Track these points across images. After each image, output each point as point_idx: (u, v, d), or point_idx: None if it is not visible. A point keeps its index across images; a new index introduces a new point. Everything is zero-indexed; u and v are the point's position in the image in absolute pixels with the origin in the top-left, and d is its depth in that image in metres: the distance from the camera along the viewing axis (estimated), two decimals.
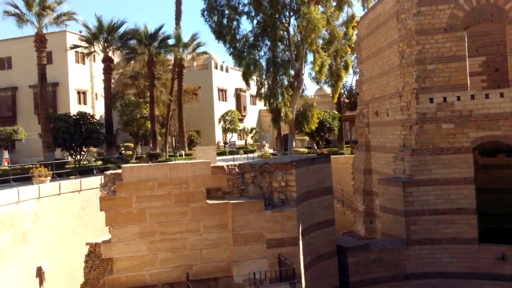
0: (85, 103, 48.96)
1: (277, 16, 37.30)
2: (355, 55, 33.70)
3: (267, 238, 14.22)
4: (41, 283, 19.77)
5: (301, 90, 40.15)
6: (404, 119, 20.13)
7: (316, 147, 45.71)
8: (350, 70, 44.90)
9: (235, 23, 38.98)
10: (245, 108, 65.84)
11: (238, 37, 39.03)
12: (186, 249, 13.92)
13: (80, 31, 44.04)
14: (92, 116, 35.84)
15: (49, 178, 24.21)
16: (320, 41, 39.52)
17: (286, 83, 39.21)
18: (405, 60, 19.99)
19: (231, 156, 39.98)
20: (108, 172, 14.43)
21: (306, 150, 44.72)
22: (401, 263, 18.45)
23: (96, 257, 17.44)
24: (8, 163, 36.08)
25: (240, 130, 58.14)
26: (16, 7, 31.66)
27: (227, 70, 63.23)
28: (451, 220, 18.42)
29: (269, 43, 38.80)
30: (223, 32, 38.60)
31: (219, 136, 58.88)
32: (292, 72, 38.84)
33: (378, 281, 18.20)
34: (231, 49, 39.04)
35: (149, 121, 41.86)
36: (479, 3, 18.80)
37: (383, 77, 23.09)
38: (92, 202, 23.62)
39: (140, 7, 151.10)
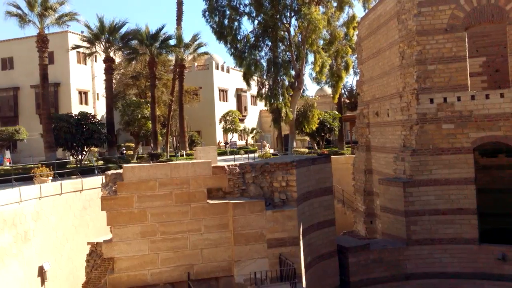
0: (86, 103, 49.05)
1: (278, 16, 37.32)
2: (356, 56, 33.77)
3: (267, 238, 14.27)
4: (42, 282, 19.85)
5: (301, 91, 40.18)
6: (405, 120, 20.17)
7: (316, 147, 45.76)
8: (351, 71, 44.96)
9: (236, 23, 39.02)
10: (245, 109, 65.91)
11: (239, 38, 39.06)
12: (187, 248, 13.98)
13: (82, 32, 44.13)
14: (94, 116, 35.92)
15: (50, 178, 24.29)
16: (321, 42, 39.55)
17: (287, 83, 39.23)
18: (406, 60, 20.04)
19: (232, 156, 40.05)
20: (110, 172, 14.49)
21: (306, 150, 44.75)
22: (401, 263, 18.50)
23: (97, 257, 17.51)
24: (10, 163, 36.18)
25: (240, 130, 58.20)
26: (18, 7, 31.76)
27: (228, 71, 63.30)
28: (451, 220, 18.46)
29: (270, 43, 38.84)
30: (224, 32, 38.64)
31: (220, 136, 58.95)
32: (292, 73, 38.88)
33: (378, 281, 18.24)
34: (232, 50, 39.07)
35: (150, 121, 41.93)
36: (480, 4, 18.84)
37: (384, 78, 23.14)
38: (93, 202, 23.69)
39: (142, 7, 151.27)
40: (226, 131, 55.73)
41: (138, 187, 13.81)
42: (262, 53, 39.38)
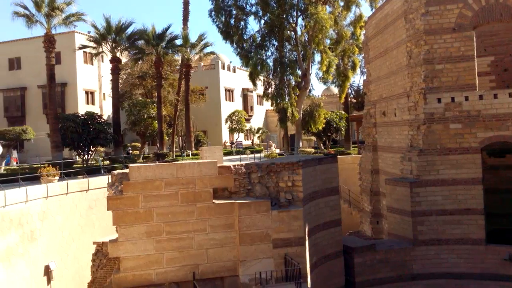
0: (93, 103, 49.21)
1: (284, 16, 37.23)
2: (363, 55, 33.63)
3: (273, 238, 14.24)
4: (48, 281, 19.91)
5: (308, 90, 40.06)
6: (412, 119, 20.05)
7: (323, 147, 45.62)
8: (358, 70, 44.80)
9: (242, 23, 38.99)
10: (252, 108, 65.87)
11: (245, 37, 39.02)
12: (192, 248, 13.97)
13: (89, 32, 44.28)
14: (100, 116, 36.01)
15: (57, 177, 24.36)
16: (328, 41, 39.42)
17: (293, 83, 39.14)
18: (413, 60, 19.92)
19: (237, 156, 40.02)
20: (116, 172, 14.51)
21: (313, 150, 44.63)
22: (407, 264, 18.40)
23: (103, 256, 17.52)
24: (16, 163, 36.39)
25: (247, 130, 58.17)
26: (26, 8, 31.90)
27: (234, 70, 63.30)
28: (458, 221, 18.34)
29: (276, 43, 38.76)
30: (231, 32, 38.63)
31: (226, 136, 58.95)
32: (299, 72, 38.77)
33: (384, 281, 18.17)
34: (238, 49, 39.05)
35: (156, 121, 41.99)
36: (488, 3, 18.70)
37: (391, 77, 23.01)
38: (99, 202, 23.75)
39: (148, 7, 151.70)
40: (232, 131, 55.72)
41: (144, 187, 13.82)
42: (269, 53, 39.33)
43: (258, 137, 61.35)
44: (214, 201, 14.24)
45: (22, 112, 48.96)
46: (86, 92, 48.60)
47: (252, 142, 60.99)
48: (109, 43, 37.99)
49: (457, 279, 18.01)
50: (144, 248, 13.72)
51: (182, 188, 14.03)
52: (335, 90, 54.40)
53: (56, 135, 31.77)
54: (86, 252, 21.39)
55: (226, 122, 55.58)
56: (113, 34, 37.57)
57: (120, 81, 44.57)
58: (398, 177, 20.40)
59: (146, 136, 45.91)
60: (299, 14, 37.98)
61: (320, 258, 16.62)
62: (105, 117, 42.83)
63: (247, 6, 39.11)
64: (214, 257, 14.06)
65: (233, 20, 38.92)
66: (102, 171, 29.33)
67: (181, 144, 52.18)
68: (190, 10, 48.00)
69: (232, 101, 61.82)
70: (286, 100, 37.78)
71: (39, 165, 28.64)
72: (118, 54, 38.78)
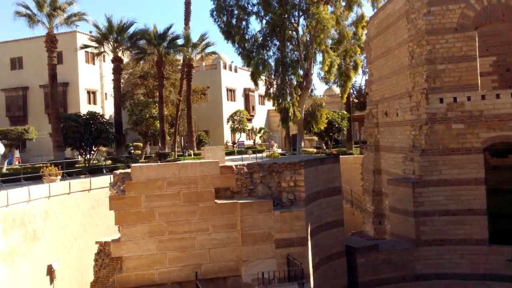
0: (95, 103, 49.26)
1: (286, 16, 37.22)
2: (365, 55, 33.58)
3: (275, 238, 14.23)
4: (51, 281, 19.93)
5: (310, 90, 40.07)
6: (414, 119, 20.02)
7: (325, 147, 45.59)
8: (360, 70, 44.73)
9: (244, 23, 38.99)
10: (253, 108, 65.85)
11: (247, 37, 39.02)
12: (195, 248, 13.97)
13: (90, 31, 44.33)
14: (102, 116, 36.02)
15: (59, 177, 24.37)
16: (329, 41, 39.42)
17: (295, 83, 39.11)
18: (415, 60, 19.88)
19: (239, 156, 39.96)
20: (118, 172, 14.52)
21: (315, 150, 44.54)
22: (410, 264, 18.38)
23: (105, 256, 17.55)
24: (19, 162, 36.39)
25: (248, 130, 58.13)
26: (27, 7, 31.93)
27: (235, 70, 63.28)
28: (461, 221, 18.31)
29: (278, 43, 38.76)
30: (232, 32, 38.63)
31: (227, 136, 58.93)
32: (301, 72, 38.73)
33: (387, 281, 18.15)
34: (240, 49, 39.05)
35: (158, 121, 42.01)
36: (490, 3, 18.66)
37: (393, 77, 22.98)
38: (101, 201, 23.75)
39: (150, 7, 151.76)
40: (234, 130, 55.70)
41: (146, 186, 13.82)
42: (270, 53, 39.35)
43: (260, 137, 61.32)
44: (216, 201, 14.24)
45: (24, 112, 49.03)
46: (88, 92, 48.65)
47: (254, 142, 60.95)
48: (111, 42, 38.01)
49: (460, 280, 17.98)
50: (147, 248, 13.72)
51: (184, 188, 14.03)
52: (337, 90, 54.34)
53: (58, 135, 31.80)
54: (88, 252, 21.42)
55: (228, 122, 55.56)
56: (114, 34, 37.59)
57: (122, 80, 44.61)
58: (401, 177, 20.36)
59: (148, 136, 45.93)
60: (300, 14, 37.97)
61: (323, 258, 16.61)
62: (107, 116, 42.81)
63: (249, 6, 39.14)
64: (217, 257, 14.06)
65: (234, 20, 38.92)
66: (104, 171, 29.34)
67: (183, 144, 52.20)
68: (192, 10, 48.04)
69: (234, 101, 61.81)
70: (288, 100, 37.77)
71: (41, 165, 28.65)
72: (119, 54, 38.82)
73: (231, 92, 61.56)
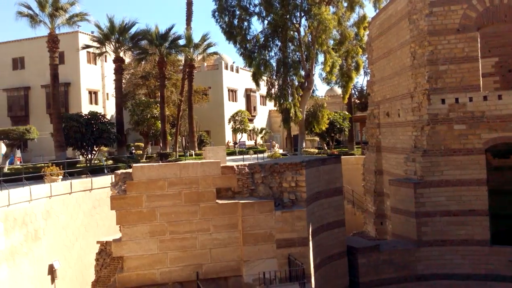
0: (96, 103, 49.32)
1: (288, 16, 37.19)
2: (366, 56, 33.56)
3: (277, 238, 14.23)
4: (52, 280, 19.95)
5: (311, 91, 40.00)
6: (416, 120, 20.00)
7: (326, 148, 45.60)
8: (361, 71, 44.73)
9: (245, 23, 38.95)
10: (255, 109, 65.87)
11: (248, 38, 38.99)
12: (196, 248, 13.96)
13: (92, 32, 44.39)
14: (103, 116, 36.07)
15: (60, 177, 24.42)
16: (331, 42, 39.36)
17: (297, 83, 39.09)
18: (417, 60, 19.86)
19: (241, 156, 40.00)
20: (119, 172, 14.53)
21: (316, 150, 44.60)
22: (412, 265, 18.35)
23: (107, 255, 17.56)
24: (20, 162, 36.44)
25: (250, 130, 58.17)
26: (29, 8, 32.03)
27: (237, 71, 63.31)
28: (463, 222, 18.27)
29: (279, 43, 38.71)
30: (234, 32, 38.61)
31: (229, 136, 58.96)
32: (302, 73, 38.70)
33: (388, 282, 18.11)
34: (242, 50, 39.02)
35: (159, 121, 42.05)
36: (493, 4, 18.61)
37: (395, 78, 22.95)
38: (103, 201, 23.78)
39: (151, 8, 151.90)
40: (235, 131, 55.74)
41: (147, 186, 13.82)
42: (272, 53, 39.28)
43: (261, 137, 61.36)
44: (217, 201, 14.24)
45: (26, 112, 49.11)
46: (90, 92, 48.71)
47: (255, 142, 60.98)
48: (113, 43, 38.08)
49: (461, 280, 17.94)
50: (148, 248, 13.73)
51: (185, 188, 14.04)
52: (338, 90, 54.31)
53: (60, 135, 31.86)
54: (90, 252, 21.43)
55: (229, 122, 55.59)
56: (116, 34, 37.66)
57: (123, 81, 44.64)
58: (402, 178, 20.34)
59: (149, 136, 45.97)
60: (302, 14, 37.92)
61: (324, 258, 16.59)
62: (108, 117, 42.88)
63: (251, 6, 39.10)
64: (218, 257, 14.05)
65: (236, 20, 38.89)
66: (106, 171, 29.38)
67: (184, 144, 52.24)
68: (194, 11, 48.07)
69: (235, 101, 61.83)
70: (290, 100, 37.75)
71: (42, 165, 28.72)
72: (121, 54, 38.88)
73: (232, 92, 61.59)
